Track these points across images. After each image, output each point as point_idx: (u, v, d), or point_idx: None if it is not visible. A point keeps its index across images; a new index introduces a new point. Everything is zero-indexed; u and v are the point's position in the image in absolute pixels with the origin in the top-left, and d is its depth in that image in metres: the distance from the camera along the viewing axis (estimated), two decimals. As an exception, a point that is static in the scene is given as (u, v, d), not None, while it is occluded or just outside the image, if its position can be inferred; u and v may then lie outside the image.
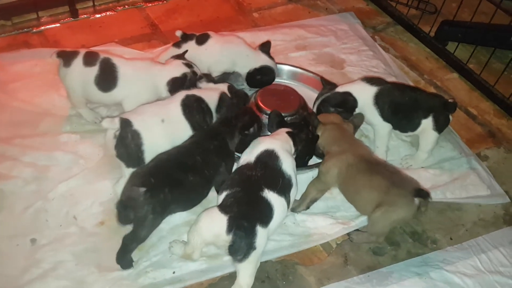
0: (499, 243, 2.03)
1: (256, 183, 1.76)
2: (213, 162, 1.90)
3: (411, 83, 2.70)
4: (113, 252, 1.80)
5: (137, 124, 1.88)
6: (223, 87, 2.16)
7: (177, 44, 2.41)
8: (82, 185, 2.03)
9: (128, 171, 1.89)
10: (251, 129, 2.04)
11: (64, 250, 1.83)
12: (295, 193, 1.88)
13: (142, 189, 1.69)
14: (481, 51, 2.87)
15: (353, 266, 1.91)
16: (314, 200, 2.04)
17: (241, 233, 1.64)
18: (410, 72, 2.84)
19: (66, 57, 2.12)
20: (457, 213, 2.14)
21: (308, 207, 2.04)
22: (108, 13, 2.96)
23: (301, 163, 2.05)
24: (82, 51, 2.14)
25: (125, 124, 1.86)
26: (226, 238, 1.64)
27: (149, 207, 1.70)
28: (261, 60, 2.42)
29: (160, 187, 1.72)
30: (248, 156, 1.86)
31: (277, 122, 2.05)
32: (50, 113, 2.31)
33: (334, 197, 2.09)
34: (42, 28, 2.81)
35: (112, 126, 1.85)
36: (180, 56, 2.25)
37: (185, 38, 2.40)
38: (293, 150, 1.95)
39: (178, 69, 2.17)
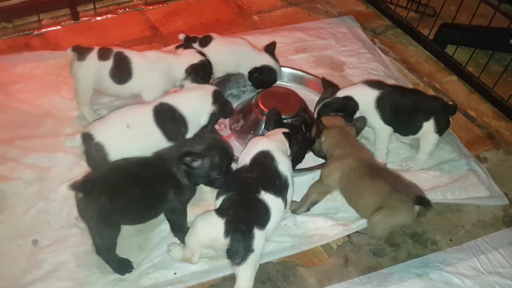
0: (499, 244, 2.04)
1: (252, 185, 1.76)
2: (159, 187, 1.77)
3: (410, 86, 2.72)
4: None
5: (99, 136, 1.85)
6: (207, 91, 2.07)
7: (179, 47, 2.41)
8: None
9: None
10: (195, 163, 1.74)
11: (65, 251, 1.83)
12: (292, 193, 1.89)
13: (80, 195, 1.68)
14: (480, 53, 2.89)
15: (353, 267, 1.92)
16: (315, 203, 2.05)
17: (238, 236, 1.64)
18: (409, 74, 2.86)
19: (81, 52, 2.15)
20: (457, 214, 2.15)
21: (308, 209, 2.05)
22: (109, 15, 2.98)
23: (293, 165, 2.02)
24: (97, 47, 2.18)
25: (87, 139, 1.84)
26: (223, 242, 1.65)
27: (87, 214, 1.69)
28: (263, 59, 2.42)
29: (96, 194, 1.65)
30: (244, 158, 1.87)
31: (275, 121, 2.04)
32: (52, 115, 2.31)
33: (334, 198, 2.10)
34: (43, 30, 2.82)
35: (75, 144, 1.85)
36: (188, 46, 2.30)
37: (188, 40, 2.42)
38: (289, 151, 1.94)
39: (195, 57, 2.24)
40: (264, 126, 2.09)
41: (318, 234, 1.99)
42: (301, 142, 2.00)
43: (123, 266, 1.79)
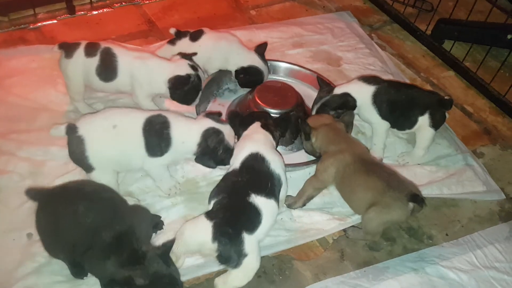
0: (495, 239, 2.04)
1: (242, 189, 1.74)
2: None
3: (407, 81, 2.72)
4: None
5: (83, 130, 1.83)
6: (199, 128, 1.91)
7: (171, 41, 2.41)
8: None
9: (91, 177, 1.89)
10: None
11: (59, 245, 1.82)
12: (286, 189, 1.88)
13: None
14: (477, 49, 2.89)
15: (349, 262, 1.91)
16: (310, 198, 2.04)
17: (225, 240, 1.61)
18: (406, 69, 2.85)
19: (68, 49, 2.13)
20: (453, 209, 2.15)
21: (304, 204, 2.04)
22: (105, 10, 2.96)
23: (294, 138, 2.13)
24: (84, 43, 2.15)
25: (70, 130, 1.84)
26: (211, 247, 1.62)
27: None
28: (251, 59, 2.37)
29: (41, 206, 1.70)
30: (234, 162, 1.84)
31: (239, 122, 1.98)
32: (47, 108, 2.30)
33: (330, 192, 2.10)
34: (39, 24, 2.80)
35: (59, 133, 1.84)
36: (188, 56, 2.20)
37: (179, 35, 2.40)
38: (275, 143, 1.93)
39: (182, 68, 2.12)
40: (235, 132, 2.00)
41: (314, 228, 1.98)
42: (280, 124, 1.99)
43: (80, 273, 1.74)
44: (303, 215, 2.02)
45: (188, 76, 2.11)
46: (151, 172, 1.98)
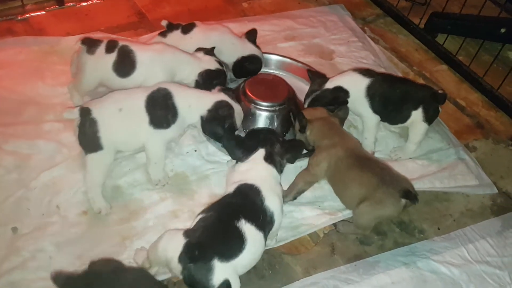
0: (487, 233, 2.03)
1: (235, 211, 1.60)
2: None
3: (400, 75, 2.70)
4: (95, 243, 1.78)
5: (96, 112, 1.87)
6: (213, 98, 2.00)
7: (162, 34, 2.37)
8: (65, 174, 1.99)
9: (89, 159, 1.88)
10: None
11: (45, 239, 1.79)
12: (278, 226, 1.75)
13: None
14: (470, 43, 2.87)
15: (339, 256, 1.89)
16: (301, 192, 2.02)
17: (190, 264, 1.46)
18: (399, 63, 2.83)
19: (90, 44, 2.11)
20: (445, 203, 2.13)
21: (295, 198, 2.02)
22: (95, 1, 2.91)
23: (285, 131, 2.15)
24: (105, 40, 2.12)
25: (84, 113, 1.86)
26: (177, 267, 1.48)
27: None
28: (248, 49, 2.38)
29: None
30: (228, 186, 1.74)
31: (240, 143, 1.84)
32: (34, 101, 2.26)
33: (322, 187, 2.07)
34: (27, 15, 2.75)
35: (73, 116, 1.87)
36: (210, 52, 2.23)
37: (171, 27, 2.37)
38: (279, 177, 1.81)
39: (211, 64, 2.18)
40: (236, 157, 1.85)
41: (305, 224, 1.95)
42: (288, 150, 1.85)
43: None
44: (293, 210, 1.99)
45: (218, 70, 2.18)
46: (152, 150, 1.97)
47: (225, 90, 2.06)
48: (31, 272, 1.71)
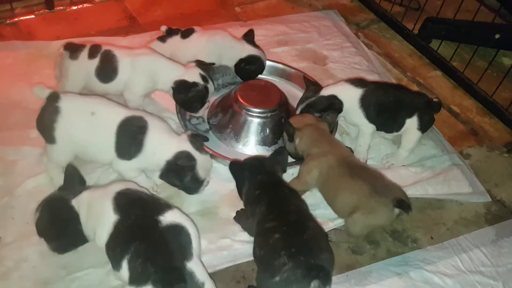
0: (480, 242, 1.99)
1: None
2: None
3: (394, 81, 2.67)
4: (81, 252, 1.73)
5: (64, 101, 1.80)
6: (184, 145, 1.84)
7: (161, 38, 2.36)
8: (51, 182, 1.94)
9: (47, 148, 1.85)
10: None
11: (29, 248, 1.74)
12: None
13: None
14: (464, 49, 2.85)
15: (331, 266, 1.86)
16: (293, 199, 1.98)
17: None
18: (393, 69, 2.81)
19: (73, 50, 2.08)
20: (438, 211, 2.10)
21: (287, 206, 1.98)
22: (85, 5, 2.88)
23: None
24: (88, 45, 2.10)
25: (52, 97, 1.81)
26: None
27: None
28: (246, 50, 2.36)
29: None
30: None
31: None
32: (21, 106, 2.21)
33: (313, 194, 2.03)
34: (16, 19, 2.71)
35: (41, 94, 1.82)
36: (204, 66, 2.16)
37: (170, 32, 2.36)
38: None
39: (192, 75, 2.09)
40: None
41: (297, 232, 1.92)
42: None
43: None
44: (285, 218, 1.95)
45: (193, 84, 2.08)
46: (122, 175, 1.92)
47: (194, 137, 1.88)
48: (14, 282, 1.66)
